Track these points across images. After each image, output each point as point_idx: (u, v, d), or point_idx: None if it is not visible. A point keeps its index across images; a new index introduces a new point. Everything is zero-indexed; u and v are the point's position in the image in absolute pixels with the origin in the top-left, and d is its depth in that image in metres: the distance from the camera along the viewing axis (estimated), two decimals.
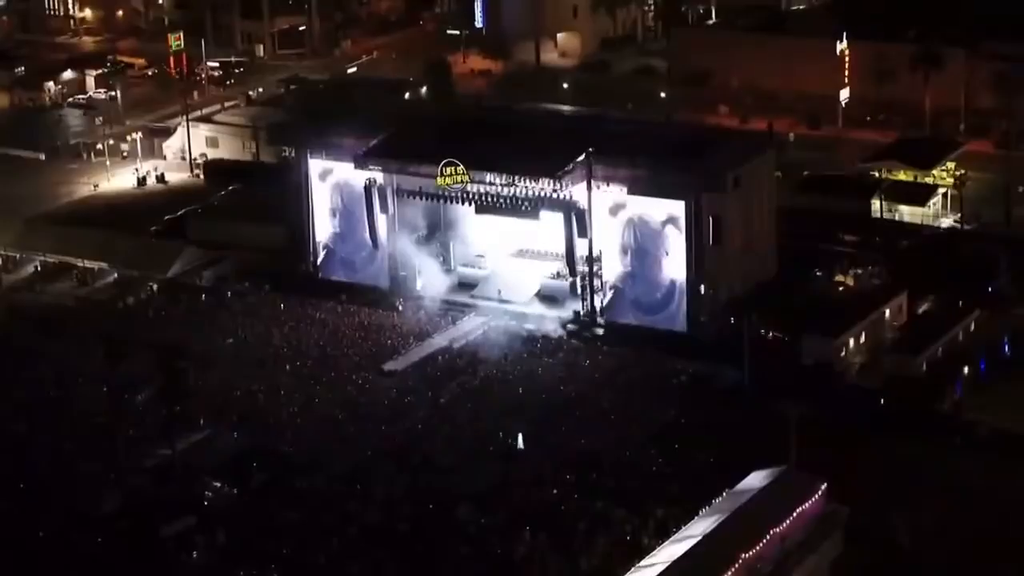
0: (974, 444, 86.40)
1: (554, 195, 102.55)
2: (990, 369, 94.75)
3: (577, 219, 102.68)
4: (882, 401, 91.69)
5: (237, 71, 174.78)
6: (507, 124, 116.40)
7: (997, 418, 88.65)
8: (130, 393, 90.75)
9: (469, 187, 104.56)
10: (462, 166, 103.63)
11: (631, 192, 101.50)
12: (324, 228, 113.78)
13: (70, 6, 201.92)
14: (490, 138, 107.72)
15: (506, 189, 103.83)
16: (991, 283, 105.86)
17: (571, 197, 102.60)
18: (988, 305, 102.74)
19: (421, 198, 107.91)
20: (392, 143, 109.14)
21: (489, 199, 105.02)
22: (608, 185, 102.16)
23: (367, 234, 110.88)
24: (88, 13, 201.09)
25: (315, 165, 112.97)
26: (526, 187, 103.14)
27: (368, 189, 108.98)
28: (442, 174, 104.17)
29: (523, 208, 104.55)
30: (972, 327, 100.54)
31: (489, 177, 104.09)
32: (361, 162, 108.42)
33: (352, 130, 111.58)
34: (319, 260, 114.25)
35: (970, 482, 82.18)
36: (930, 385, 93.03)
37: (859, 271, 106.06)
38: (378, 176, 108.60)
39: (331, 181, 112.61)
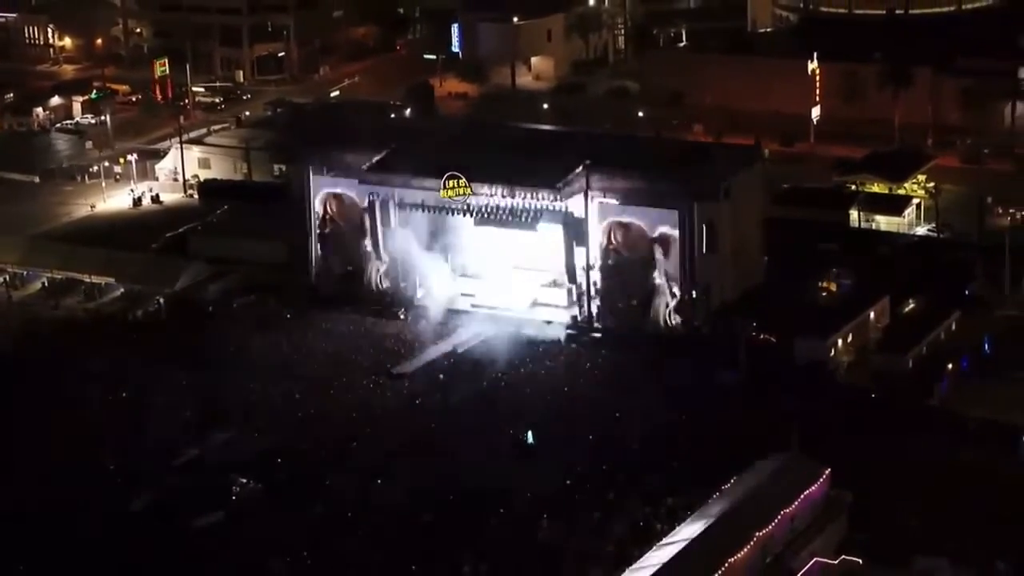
0: (964, 436, 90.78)
1: (552, 206, 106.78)
2: (972, 367, 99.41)
3: (574, 229, 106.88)
4: (873, 397, 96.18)
5: (236, 96, 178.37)
6: (503, 139, 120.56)
7: (981, 412, 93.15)
8: (153, 397, 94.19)
9: (470, 199, 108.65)
10: (464, 179, 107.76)
11: (627, 202, 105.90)
12: (327, 241, 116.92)
13: (50, 35, 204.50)
14: (488, 152, 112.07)
15: (506, 201, 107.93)
16: (968, 287, 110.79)
17: (568, 208, 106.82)
18: (966, 307, 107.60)
19: (423, 211, 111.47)
20: (395, 159, 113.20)
21: (489, 211, 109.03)
22: (604, 196, 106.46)
23: (370, 246, 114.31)
24: (68, 42, 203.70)
25: (316, 182, 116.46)
26: (525, 199, 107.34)
27: (371, 203, 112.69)
28: (445, 187, 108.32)
29: (522, 219, 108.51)
30: (953, 327, 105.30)
31: (489, 189, 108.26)
32: (366, 178, 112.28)
33: (353, 147, 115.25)
34: (321, 272, 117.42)
35: (961, 470, 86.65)
36: (918, 382, 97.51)
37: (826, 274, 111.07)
38: (380, 190, 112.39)
39: (333, 196, 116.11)
